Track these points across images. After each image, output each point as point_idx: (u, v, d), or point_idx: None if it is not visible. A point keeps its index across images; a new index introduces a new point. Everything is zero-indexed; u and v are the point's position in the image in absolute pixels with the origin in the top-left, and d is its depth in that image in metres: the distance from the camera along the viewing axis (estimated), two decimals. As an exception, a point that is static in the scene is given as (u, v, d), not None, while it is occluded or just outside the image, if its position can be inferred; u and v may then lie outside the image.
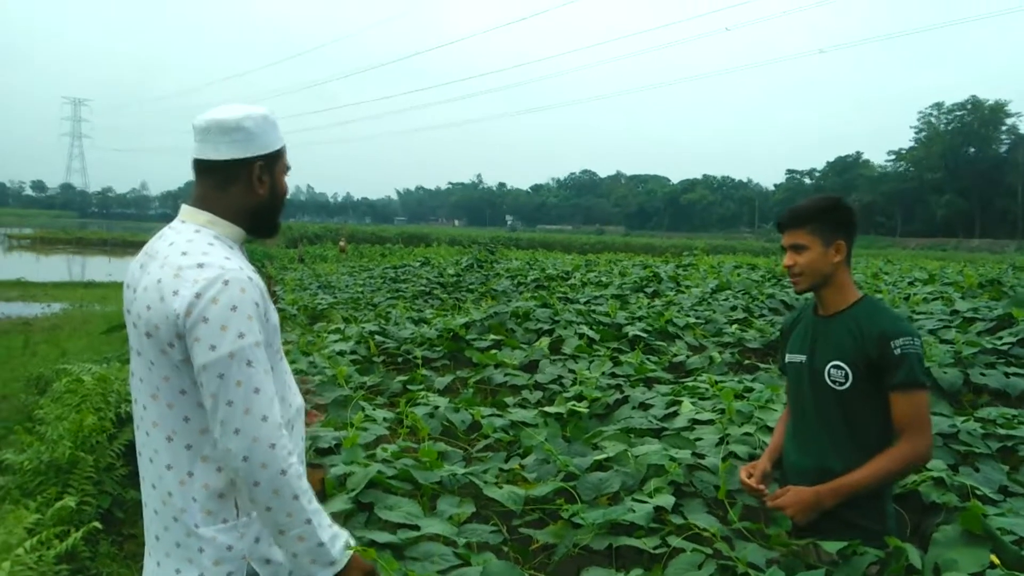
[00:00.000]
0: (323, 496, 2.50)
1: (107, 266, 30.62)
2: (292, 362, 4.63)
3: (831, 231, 2.19)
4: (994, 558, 1.91)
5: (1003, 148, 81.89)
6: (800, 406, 2.30)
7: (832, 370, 2.16)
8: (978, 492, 2.64)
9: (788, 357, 2.36)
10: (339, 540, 1.60)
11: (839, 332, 2.18)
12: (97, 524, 3.40)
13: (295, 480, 1.51)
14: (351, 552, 1.61)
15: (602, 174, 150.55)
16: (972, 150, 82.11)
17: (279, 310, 9.31)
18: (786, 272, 2.29)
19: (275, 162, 1.69)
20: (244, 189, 1.66)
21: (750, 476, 2.35)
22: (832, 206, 2.21)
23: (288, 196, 1.78)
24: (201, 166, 1.66)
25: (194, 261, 1.52)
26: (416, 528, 2.21)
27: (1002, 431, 3.26)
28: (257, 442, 1.47)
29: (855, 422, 2.16)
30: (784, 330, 2.47)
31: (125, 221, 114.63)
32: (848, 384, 2.14)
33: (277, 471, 1.49)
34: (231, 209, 1.65)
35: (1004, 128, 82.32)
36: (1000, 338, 5.23)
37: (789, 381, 2.39)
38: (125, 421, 4.50)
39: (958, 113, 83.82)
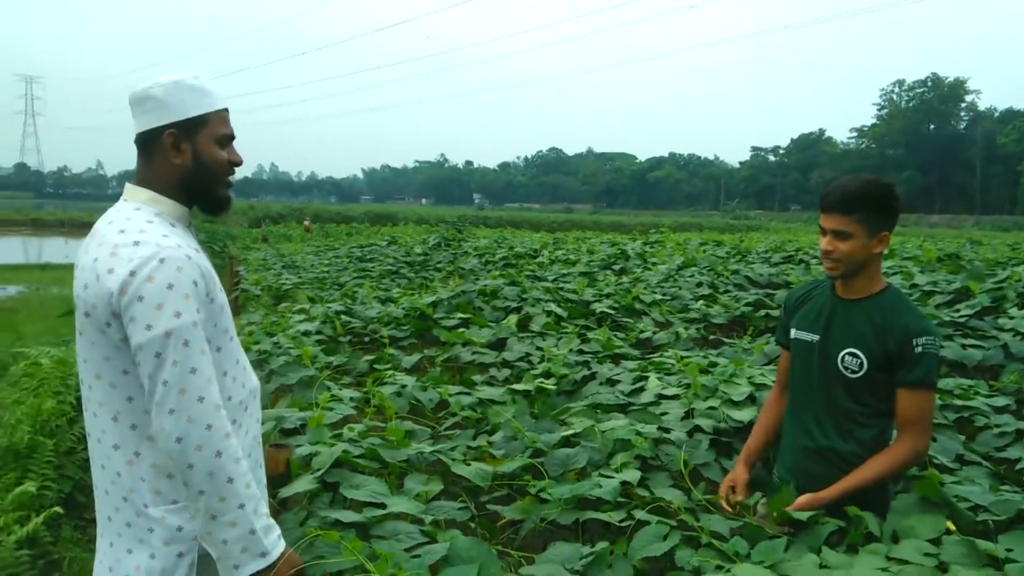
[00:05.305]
0: (288, 476, 2.47)
1: (64, 248, 29.86)
2: (256, 343, 4.56)
3: (879, 221, 2.08)
4: (950, 524, 1.95)
5: (962, 124, 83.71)
6: (805, 384, 2.26)
7: (847, 357, 2.13)
8: (936, 461, 2.70)
9: (795, 333, 2.29)
10: (273, 532, 1.56)
11: (860, 320, 2.14)
12: (58, 509, 3.35)
13: (231, 463, 1.47)
14: (284, 547, 1.57)
15: (569, 152, 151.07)
16: (932, 127, 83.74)
17: (242, 290, 9.18)
18: (822, 255, 2.15)
19: (195, 129, 1.61)
20: (163, 160, 1.61)
21: (733, 491, 2.31)
22: (885, 194, 2.08)
23: (239, 167, 1.70)
24: (135, 142, 1.64)
25: (130, 239, 1.50)
26: (382, 506, 2.19)
27: (959, 402, 3.33)
28: (192, 422, 1.44)
29: (861, 407, 2.16)
30: (789, 304, 2.39)
31: (82, 201, 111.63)
32: (861, 373, 2.11)
33: (212, 452, 1.45)
34: (162, 183, 1.62)
35: (963, 105, 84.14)
36: (958, 311, 5.34)
37: (793, 357, 2.32)
38: (85, 405, 4.41)
39: (919, 90, 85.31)
